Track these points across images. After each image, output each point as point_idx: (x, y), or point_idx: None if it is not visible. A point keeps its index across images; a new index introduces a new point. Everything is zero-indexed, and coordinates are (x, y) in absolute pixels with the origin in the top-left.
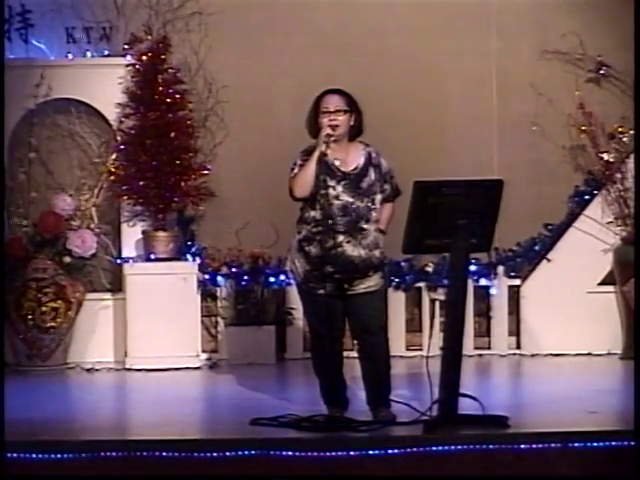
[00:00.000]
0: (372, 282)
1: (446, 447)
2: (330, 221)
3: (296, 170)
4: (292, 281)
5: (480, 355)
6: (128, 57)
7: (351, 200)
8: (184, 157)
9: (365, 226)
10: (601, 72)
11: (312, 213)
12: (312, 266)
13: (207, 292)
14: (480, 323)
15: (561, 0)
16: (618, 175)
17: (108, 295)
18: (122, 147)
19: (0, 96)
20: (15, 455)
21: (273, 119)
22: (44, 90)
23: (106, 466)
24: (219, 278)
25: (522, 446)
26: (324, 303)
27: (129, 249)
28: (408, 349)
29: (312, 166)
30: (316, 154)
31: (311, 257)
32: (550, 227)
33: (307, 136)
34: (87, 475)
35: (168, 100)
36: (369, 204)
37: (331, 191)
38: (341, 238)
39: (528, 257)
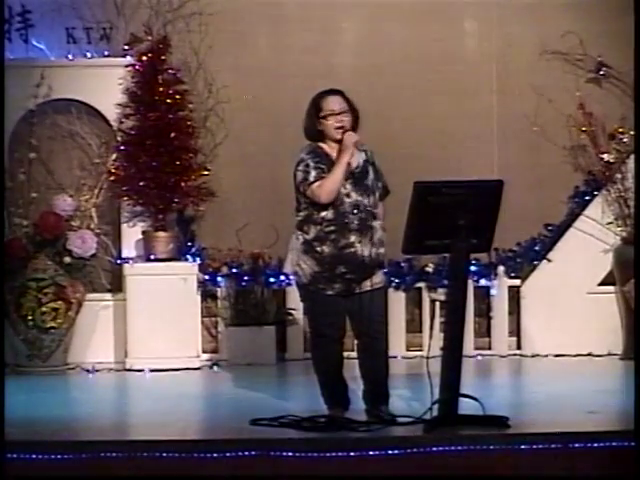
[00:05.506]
0: (378, 279)
1: (446, 447)
2: (345, 220)
3: (314, 174)
4: (294, 283)
5: (480, 356)
6: (128, 57)
7: (360, 198)
8: (184, 157)
9: (373, 223)
10: (601, 72)
11: (322, 213)
12: (322, 267)
13: (207, 292)
14: (480, 324)
15: (561, 0)
16: (618, 175)
17: (108, 295)
18: (122, 147)
19: (0, 96)
20: (15, 455)
21: (273, 119)
22: (44, 90)
23: (106, 466)
24: (219, 278)
25: (522, 446)
26: (332, 304)
27: (129, 249)
28: (408, 350)
29: (341, 174)
30: (344, 160)
31: (323, 257)
32: (550, 227)
33: None
34: (87, 475)
35: (168, 100)
36: (374, 201)
37: (342, 189)
38: (353, 238)
39: (528, 257)
